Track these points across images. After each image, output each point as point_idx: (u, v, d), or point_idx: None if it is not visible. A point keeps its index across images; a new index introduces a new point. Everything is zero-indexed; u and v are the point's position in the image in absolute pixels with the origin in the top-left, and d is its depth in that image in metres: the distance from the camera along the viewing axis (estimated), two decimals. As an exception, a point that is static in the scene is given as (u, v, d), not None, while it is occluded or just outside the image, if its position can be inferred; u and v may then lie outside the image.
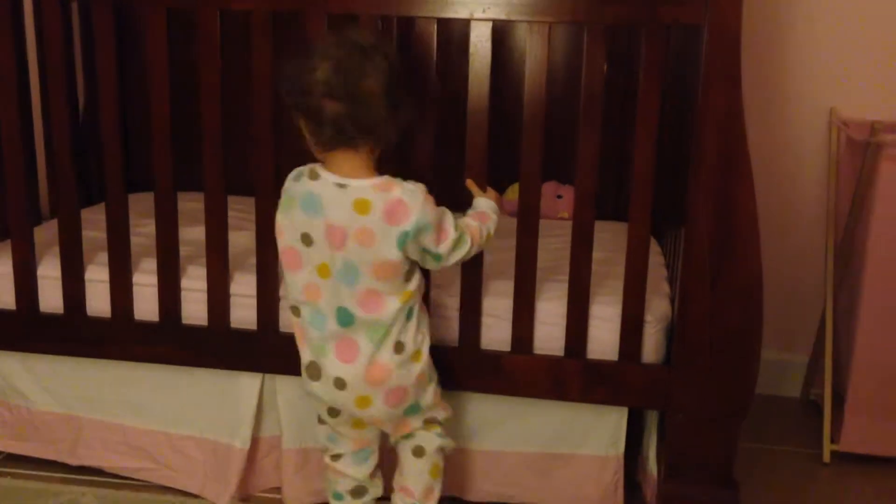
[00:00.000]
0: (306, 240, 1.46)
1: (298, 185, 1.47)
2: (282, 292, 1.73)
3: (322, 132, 1.42)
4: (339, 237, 1.43)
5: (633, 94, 1.63)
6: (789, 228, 2.38)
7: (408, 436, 1.60)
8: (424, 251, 1.46)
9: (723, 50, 1.49)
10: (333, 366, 1.48)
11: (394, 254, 1.42)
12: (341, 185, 1.43)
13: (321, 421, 1.61)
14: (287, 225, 1.48)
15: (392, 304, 1.46)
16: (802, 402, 2.41)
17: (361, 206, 1.42)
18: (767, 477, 2.01)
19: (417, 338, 1.51)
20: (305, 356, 1.53)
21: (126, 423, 1.85)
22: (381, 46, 1.43)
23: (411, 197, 1.42)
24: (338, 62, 1.39)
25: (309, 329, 1.50)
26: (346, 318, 1.47)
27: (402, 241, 1.42)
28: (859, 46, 2.28)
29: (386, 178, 1.44)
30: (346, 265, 1.44)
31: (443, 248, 1.47)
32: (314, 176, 1.46)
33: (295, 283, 1.49)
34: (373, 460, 1.63)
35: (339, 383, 1.49)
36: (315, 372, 1.51)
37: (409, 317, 1.49)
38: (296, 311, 1.52)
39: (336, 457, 1.61)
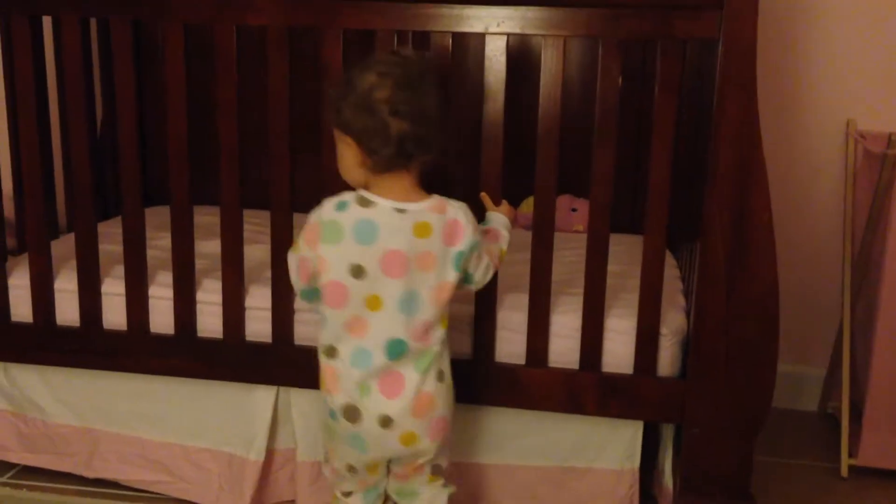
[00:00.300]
0: (357, 271, 1.37)
1: (347, 215, 1.38)
2: (297, 305, 1.73)
3: (381, 152, 1.35)
4: (400, 264, 1.37)
5: (649, 107, 1.63)
6: (806, 240, 2.37)
7: (411, 495, 1.52)
8: (466, 273, 1.45)
9: (738, 63, 1.49)
10: (377, 403, 1.40)
11: (452, 276, 1.40)
12: (400, 210, 1.38)
13: (327, 459, 1.53)
14: (335, 258, 1.38)
15: (439, 331, 1.43)
16: (820, 416, 2.39)
17: (422, 230, 1.38)
18: (784, 491, 2.00)
19: (448, 365, 1.48)
20: (339, 399, 1.42)
21: (142, 436, 1.86)
22: (431, 63, 1.42)
23: (465, 216, 1.41)
24: (398, 79, 1.34)
25: (348, 369, 1.40)
26: (397, 350, 1.39)
27: (459, 262, 1.40)
28: (876, 58, 2.27)
29: (438, 198, 1.41)
30: (408, 293, 1.38)
31: (479, 272, 1.47)
32: (366, 203, 1.38)
33: (336, 319, 1.40)
34: (380, 499, 1.57)
35: (385, 421, 1.40)
36: (353, 414, 1.41)
37: (444, 343, 1.45)
38: (332, 351, 1.42)
39: (347, 494, 1.54)
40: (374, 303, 1.38)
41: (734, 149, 1.52)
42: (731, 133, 1.51)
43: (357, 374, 1.40)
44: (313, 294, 1.45)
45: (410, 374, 1.41)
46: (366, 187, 1.41)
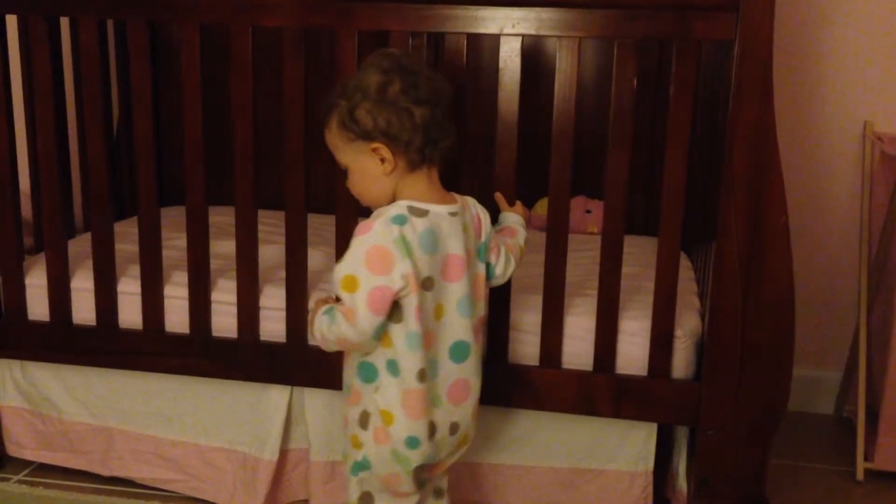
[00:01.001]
0: (428, 284, 1.35)
1: (408, 228, 1.32)
2: (311, 305, 1.73)
3: (414, 143, 1.32)
4: (458, 267, 1.37)
5: (663, 109, 1.62)
6: (822, 243, 2.35)
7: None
8: (487, 265, 1.46)
9: (754, 65, 1.48)
10: (447, 412, 1.41)
11: (481, 268, 1.43)
12: (453, 213, 1.37)
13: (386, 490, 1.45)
14: (413, 276, 1.31)
15: (482, 328, 1.45)
16: (835, 419, 2.38)
17: (467, 229, 1.40)
18: (799, 495, 1.98)
19: None
20: (415, 420, 1.37)
21: (157, 435, 1.87)
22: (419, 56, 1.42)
23: (481, 209, 1.44)
24: (402, 71, 1.33)
25: (424, 384, 1.37)
26: (462, 353, 1.40)
27: (483, 253, 1.44)
28: (893, 59, 2.25)
29: (457, 196, 1.42)
30: (467, 295, 1.39)
31: (500, 265, 1.48)
32: (420, 213, 1.34)
33: (420, 339, 1.35)
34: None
35: (454, 428, 1.42)
36: (432, 430, 1.39)
37: None
38: (423, 374, 1.36)
39: None
40: (439, 311, 1.38)
41: (750, 151, 1.51)
42: (746, 135, 1.51)
43: (430, 386, 1.38)
44: (382, 328, 1.35)
45: (472, 378, 1.43)
46: (393, 197, 1.37)
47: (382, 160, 1.35)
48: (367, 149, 1.35)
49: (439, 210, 1.36)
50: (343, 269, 1.32)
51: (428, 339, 1.36)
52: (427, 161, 1.36)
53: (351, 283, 1.31)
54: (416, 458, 1.40)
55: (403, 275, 1.31)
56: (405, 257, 1.31)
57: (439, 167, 1.39)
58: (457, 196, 1.42)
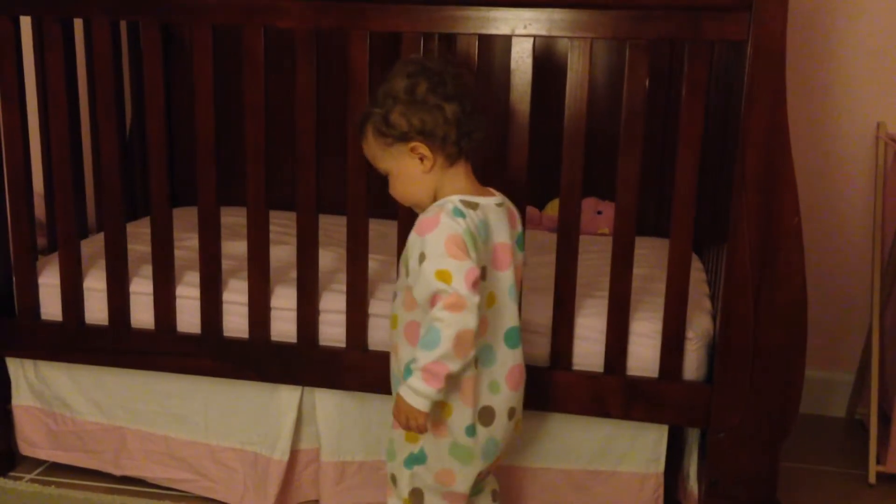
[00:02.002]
0: (484, 274, 1.38)
1: (468, 221, 1.35)
2: (322, 306, 1.74)
3: (450, 138, 1.37)
4: (506, 256, 1.42)
5: (675, 110, 1.62)
6: (835, 244, 2.34)
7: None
8: None
9: (767, 65, 1.48)
10: (506, 398, 1.44)
11: (520, 256, 1.48)
12: (499, 205, 1.43)
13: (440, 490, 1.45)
14: (478, 266, 1.34)
15: None
16: (848, 422, 2.37)
17: (510, 216, 1.46)
18: (811, 498, 1.98)
19: None
20: (475, 408, 1.41)
21: (168, 434, 1.88)
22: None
23: (509, 202, 1.48)
24: (427, 72, 1.38)
25: (481, 371, 1.41)
26: (515, 338, 1.44)
27: (522, 243, 1.49)
28: (907, 60, 2.24)
29: (491, 189, 1.47)
30: (514, 282, 1.43)
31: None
32: (472, 206, 1.38)
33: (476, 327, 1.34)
34: None
35: (511, 413, 1.45)
36: (489, 416, 1.42)
37: None
38: (476, 361, 1.39)
39: None
40: (490, 299, 1.41)
41: (763, 152, 1.50)
42: (759, 136, 1.50)
43: (487, 371, 1.42)
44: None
45: (523, 361, 1.47)
46: (435, 196, 1.40)
47: (422, 158, 1.39)
48: (406, 150, 1.39)
49: (487, 202, 1.41)
50: (430, 267, 1.32)
51: (483, 327, 1.39)
52: (463, 154, 1.41)
53: (445, 275, 1.31)
54: (476, 450, 1.42)
55: (479, 262, 1.35)
56: (472, 248, 1.34)
57: (474, 162, 1.44)
58: (492, 189, 1.46)
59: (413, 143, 1.38)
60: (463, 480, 1.44)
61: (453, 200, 1.38)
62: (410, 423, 1.35)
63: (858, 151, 2.31)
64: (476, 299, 1.31)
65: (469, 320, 1.30)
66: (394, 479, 1.48)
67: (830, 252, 2.33)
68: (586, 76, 1.56)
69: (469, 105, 1.38)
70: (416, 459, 1.45)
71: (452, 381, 1.36)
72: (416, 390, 1.32)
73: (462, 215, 1.36)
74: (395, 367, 1.47)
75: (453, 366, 1.32)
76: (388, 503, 1.52)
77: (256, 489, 1.82)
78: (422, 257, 1.33)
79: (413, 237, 1.38)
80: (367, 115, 1.41)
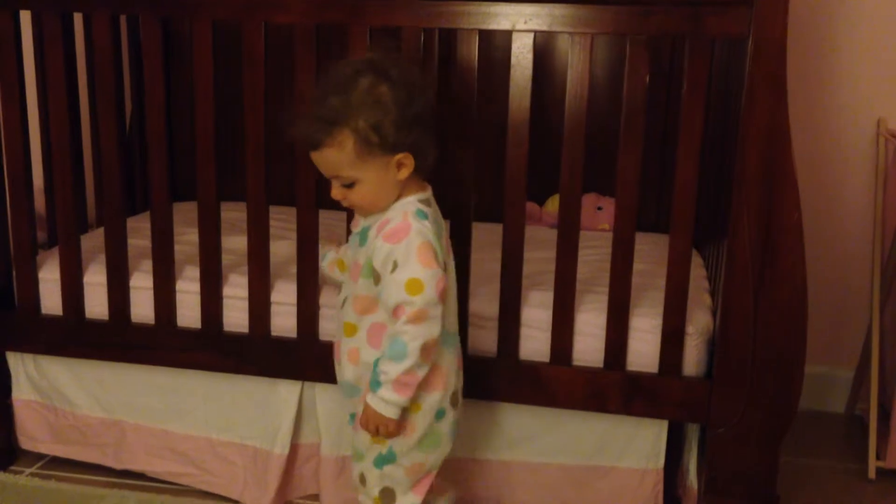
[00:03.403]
0: (445, 266, 1.42)
1: (430, 222, 1.39)
2: (323, 301, 1.74)
3: (430, 152, 1.40)
4: (450, 245, 1.50)
5: (675, 105, 1.62)
6: (835, 240, 2.34)
7: None
8: None
9: (768, 61, 1.47)
10: (461, 380, 1.53)
11: None
12: (432, 197, 1.48)
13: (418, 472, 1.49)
14: (443, 262, 1.40)
15: None
16: (847, 418, 2.37)
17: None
18: (811, 493, 1.98)
19: None
20: (442, 391, 1.44)
21: (168, 429, 1.88)
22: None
23: None
24: (408, 79, 1.37)
25: (452, 357, 1.47)
26: (457, 324, 1.53)
27: None
28: (907, 56, 2.24)
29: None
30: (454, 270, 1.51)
31: None
32: (427, 203, 1.43)
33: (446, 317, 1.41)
34: None
35: (461, 395, 1.53)
36: (455, 399, 1.49)
37: None
38: (441, 350, 1.43)
39: None
40: (450, 288, 1.46)
41: (763, 148, 1.50)
42: (760, 132, 1.50)
43: (454, 358, 1.48)
44: None
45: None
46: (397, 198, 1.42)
47: (399, 167, 1.38)
48: (391, 161, 1.37)
49: (431, 197, 1.46)
50: (402, 276, 1.34)
51: (452, 318, 1.48)
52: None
53: (416, 284, 1.33)
54: (444, 433, 1.47)
55: (441, 262, 1.38)
56: (439, 251, 1.38)
57: None
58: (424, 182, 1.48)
59: (400, 156, 1.36)
60: (433, 465, 1.50)
61: (413, 202, 1.39)
62: (381, 430, 1.39)
63: (859, 148, 2.31)
64: (440, 308, 1.36)
65: (433, 329, 1.36)
66: (362, 479, 1.49)
67: (830, 248, 2.33)
68: (587, 72, 1.56)
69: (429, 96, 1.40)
70: (386, 459, 1.46)
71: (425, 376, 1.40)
72: (386, 401, 1.37)
73: (425, 216, 1.38)
74: (351, 374, 1.47)
75: (421, 373, 1.37)
76: (359, 500, 1.53)
77: (257, 483, 1.83)
78: (394, 266, 1.35)
79: (380, 244, 1.37)
80: (341, 121, 1.33)
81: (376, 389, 1.37)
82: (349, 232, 1.58)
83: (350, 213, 1.60)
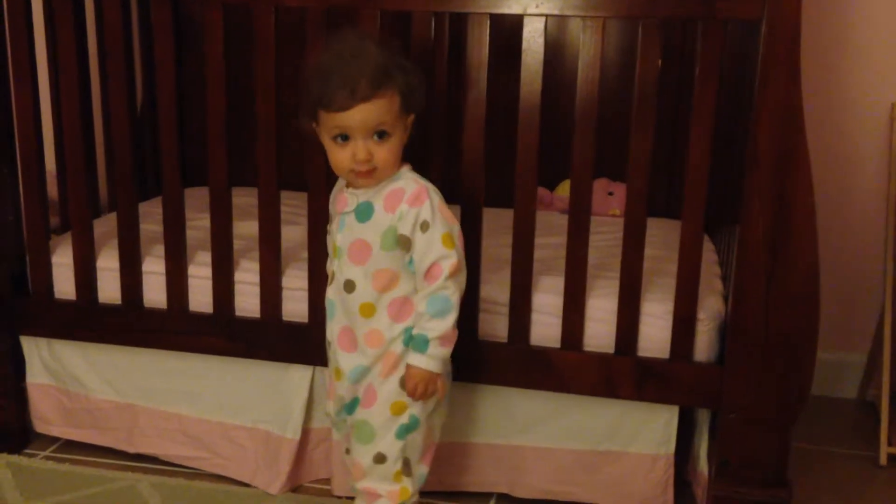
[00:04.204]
0: None
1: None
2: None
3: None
4: None
5: (687, 89, 1.61)
6: (847, 225, 2.33)
7: None
8: None
9: (782, 44, 1.46)
10: None
11: None
12: None
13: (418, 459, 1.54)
14: None
15: None
16: (859, 404, 2.36)
17: None
18: (822, 479, 1.98)
19: None
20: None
21: (181, 412, 1.89)
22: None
23: None
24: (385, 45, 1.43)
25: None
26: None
27: None
28: (923, 39, 2.22)
29: None
30: None
31: None
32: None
33: None
34: None
35: None
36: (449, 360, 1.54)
37: None
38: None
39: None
40: None
41: (776, 133, 1.49)
42: (773, 117, 1.49)
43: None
44: None
45: None
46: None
47: (406, 129, 1.45)
48: (408, 121, 1.45)
49: None
50: (437, 233, 1.41)
51: None
52: None
53: (449, 239, 1.42)
54: (448, 394, 1.53)
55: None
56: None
57: None
58: None
59: (412, 117, 1.44)
60: (439, 429, 1.57)
61: (411, 172, 1.46)
62: (429, 388, 1.45)
63: (872, 132, 2.29)
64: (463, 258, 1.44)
65: (464, 280, 1.46)
66: (380, 459, 1.49)
67: (842, 233, 2.32)
68: (598, 56, 1.55)
69: None
70: (410, 428, 1.49)
71: None
72: (435, 357, 1.43)
73: (427, 180, 1.45)
74: (367, 357, 1.48)
75: (456, 324, 1.45)
76: (359, 486, 1.52)
77: (268, 467, 1.84)
78: (425, 226, 1.40)
79: (406, 209, 1.41)
80: (391, 75, 1.38)
81: (424, 349, 1.43)
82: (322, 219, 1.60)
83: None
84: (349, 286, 1.47)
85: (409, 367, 1.45)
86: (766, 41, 1.47)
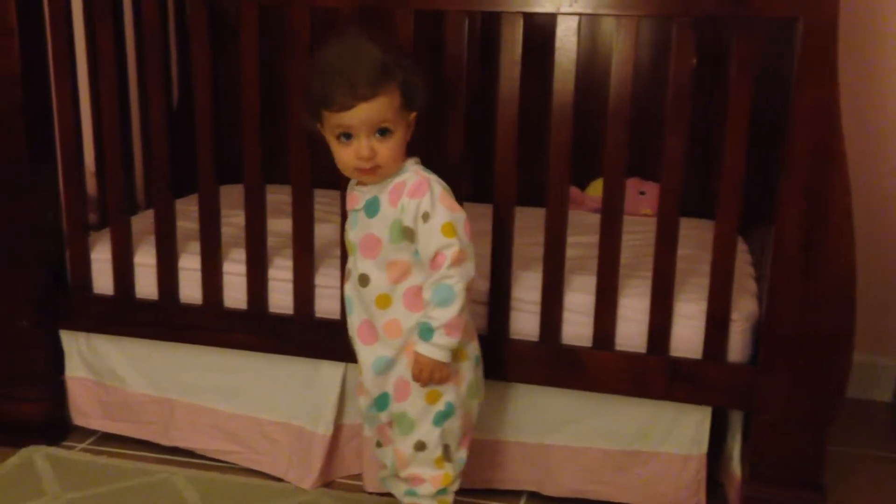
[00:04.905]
0: None
1: None
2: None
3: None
4: None
5: (721, 88, 1.59)
6: (883, 227, 2.29)
7: None
8: None
9: (819, 43, 1.45)
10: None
11: None
12: None
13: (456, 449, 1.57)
14: None
15: None
16: (893, 407, 2.33)
17: None
18: (856, 482, 1.95)
19: None
20: (475, 341, 1.56)
21: (216, 407, 1.92)
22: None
23: None
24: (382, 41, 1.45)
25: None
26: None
27: None
28: (964, 37, 2.18)
29: None
30: None
31: None
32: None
33: None
34: None
35: None
36: (479, 346, 1.59)
37: None
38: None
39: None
40: None
41: (813, 132, 1.48)
42: (809, 116, 1.47)
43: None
44: None
45: None
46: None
47: (410, 126, 1.46)
48: (410, 118, 1.46)
49: None
50: (437, 222, 1.42)
51: None
52: None
53: (449, 228, 1.42)
54: (482, 378, 1.58)
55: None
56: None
57: None
58: None
59: (414, 115, 1.46)
60: (476, 413, 1.59)
61: (417, 163, 1.48)
62: (434, 376, 1.47)
63: (911, 130, 2.25)
64: (472, 247, 1.45)
65: (471, 269, 1.45)
66: (421, 446, 1.52)
67: (878, 234, 2.29)
68: (632, 55, 1.54)
69: None
70: (446, 415, 1.52)
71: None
72: (440, 346, 1.45)
73: (431, 172, 1.47)
74: (389, 348, 1.51)
75: (465, 313, 1.46)
76: (403, 474, 1.55)
77: (301, 463, 1.86)
78: (426, 216, 1.42)
79: (407, 202, 1.43)
80: (391, 74, 1.40)
81: (429, 337, 1.44)
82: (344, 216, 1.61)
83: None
84: (363, 280, 1.50)
85: (415, 354, 1.47)
86: (802, 39, 1.45)
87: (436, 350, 1.44)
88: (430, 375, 1.46)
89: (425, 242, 1.43)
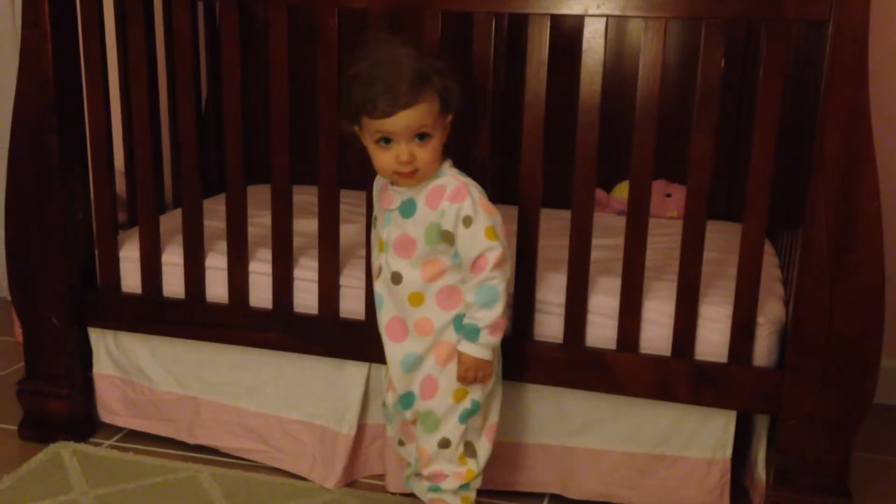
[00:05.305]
0: None
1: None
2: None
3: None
4: None
5: (749, 90, 1.58)
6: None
7: None
8: None
9: (849, 46, 1.43)
10: None
11: None
12: None
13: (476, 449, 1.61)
14: None
15: None
16: (922, 414, 2.30)
17: None
18: (882, 489, 1.93)
19: None
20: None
21: (241, 406, 1.93)
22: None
23: None
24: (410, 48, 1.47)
25: None
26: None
27: None
28: None
29: None
30: None
31: None
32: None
33: None
34: None
35: None
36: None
37: None
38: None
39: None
40: None
41: (842, 135, 1.47)
42: (839, 119, 1.46)
43: None
44: None
45: None
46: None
47: (445, 128, 1.49)
48: (446, 121, 1.47)
49: None
50: (480, 226, 1.45)
51: None
52: None
53: (492, 232, 1.46)
54: (500, 371, 1.60)
55: None
56: None
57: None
58: None
59: (451, 117, 1.48)
60: (497, 408, 1.61)
61: (453, 168, 1.50)
62: (479, 374, 1.51)
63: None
64: (509, 248, 1.49)
65: (509, 270, 1.50)
66: (445, 444, 1.54)
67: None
68: (660, 57, 1.54)
69: None
70: (472, 412, 1.55)
71: None
72: (486, 345, 1.49)
73: (466, 176, 1.50)
74: (420, 345, 1.53)
75: (505, 313, 1.50)
76: (426, 472, 1.58)
77: (324, 462, 1.87)
78: (467, 221, 1.45)
79: (447, 206, 1.46)
80: (429, 80, 1.43)
81: (476, 338, 1.49)
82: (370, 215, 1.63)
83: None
84: (396, 278, 1.52)
85: (460, 353, 1.50)
86: (833, 42, 1.44)
87: (481, 349, 1.49)
88: (475, 374, 1.50)
89: (468, 246, 1.46)
